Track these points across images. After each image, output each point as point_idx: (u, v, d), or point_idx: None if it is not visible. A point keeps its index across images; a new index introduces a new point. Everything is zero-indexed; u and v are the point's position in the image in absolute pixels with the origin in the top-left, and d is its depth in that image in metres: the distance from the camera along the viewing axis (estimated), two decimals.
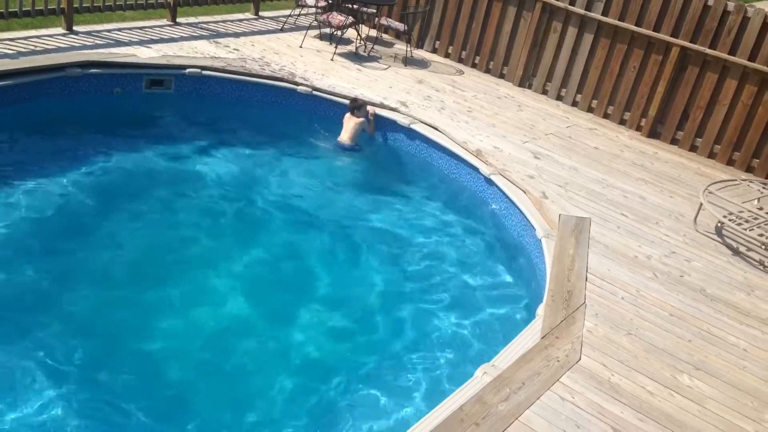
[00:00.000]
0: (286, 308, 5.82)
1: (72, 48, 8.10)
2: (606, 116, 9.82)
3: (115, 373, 4.87)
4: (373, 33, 11.02)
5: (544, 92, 10.24)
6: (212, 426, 4.63)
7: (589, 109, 9.92)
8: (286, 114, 8.60)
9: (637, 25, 9.33)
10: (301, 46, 9.98)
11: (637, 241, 6.69)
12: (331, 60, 9.74)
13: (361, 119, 8.24)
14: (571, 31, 9.82)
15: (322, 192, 7.61)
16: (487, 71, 10.64)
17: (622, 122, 9.72)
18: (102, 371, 4.87)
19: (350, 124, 8.21)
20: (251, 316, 5.70)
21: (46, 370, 4.70)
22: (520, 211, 6.89)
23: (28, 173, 6.67)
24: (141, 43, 8.73)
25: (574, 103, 10.02)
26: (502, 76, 10.54)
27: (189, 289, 5.86)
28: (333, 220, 7.12)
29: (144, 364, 5.01)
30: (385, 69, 9.92)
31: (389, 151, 8.45)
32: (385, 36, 11.28)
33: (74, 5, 8.56)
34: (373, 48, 10.53)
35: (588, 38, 9.72)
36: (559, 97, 10.14)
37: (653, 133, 9.49)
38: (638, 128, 9.59)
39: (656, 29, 9.20)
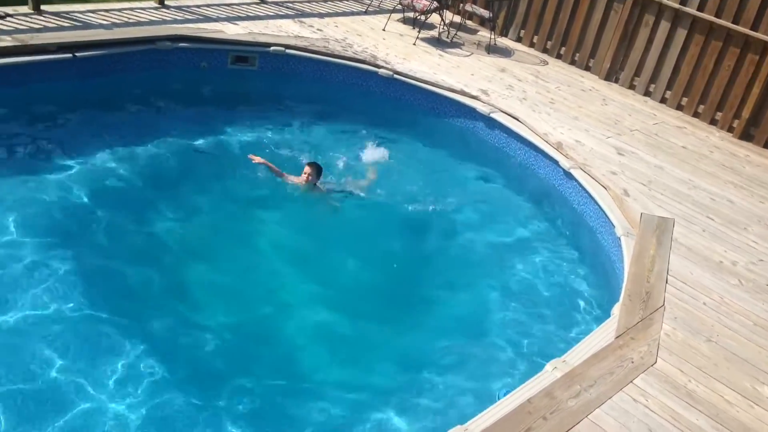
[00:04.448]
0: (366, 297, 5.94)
1: (163, 21, 8.28)
2: (696, 115, 9.45)
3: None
4: (457, 19, 10.90)
5: (632, 87, 9.92)
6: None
7: (679, 107, 9.56)
8: (367, 96, 8.59)
9: (734, 22, 8.93)
10: (384, 29, 9.95)
11: (722, 245, 6.42)
12: (414, 44, 9.68)
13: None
14: (664, 25, 9.47)
15: (395, 174, 7.55)
16: (573, 63, 10.39)
17: (713, 122, 9.34)
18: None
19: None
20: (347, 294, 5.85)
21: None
22: (600, 208, 6.69)
23: (117, 141, 6.88)
24: (228, 19, 8.86)
25: (663, 100, 9.68)
26: (587, 68, 10.27)
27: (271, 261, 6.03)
28: (405, 204, 7.07)
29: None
30: (468, 56, 9.80)
31: (468, 139, 8.34)
32: (469, 22, 11.13)
33: None
34: (456, 34, 10.41)
35: (681, 33, 9.36)
36: (647, 93, 9.81)
37: (746, 136, 9.09)
38: (730, 129, 9.20)
39: (754, 28, 8.79)
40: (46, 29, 7.30)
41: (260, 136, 7.65)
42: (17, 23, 7.27)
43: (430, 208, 7.09)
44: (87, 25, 7.63)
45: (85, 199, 6.06)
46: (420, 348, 5.33)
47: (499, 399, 4.26)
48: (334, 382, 4.93)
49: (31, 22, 7.36)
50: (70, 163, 6.41)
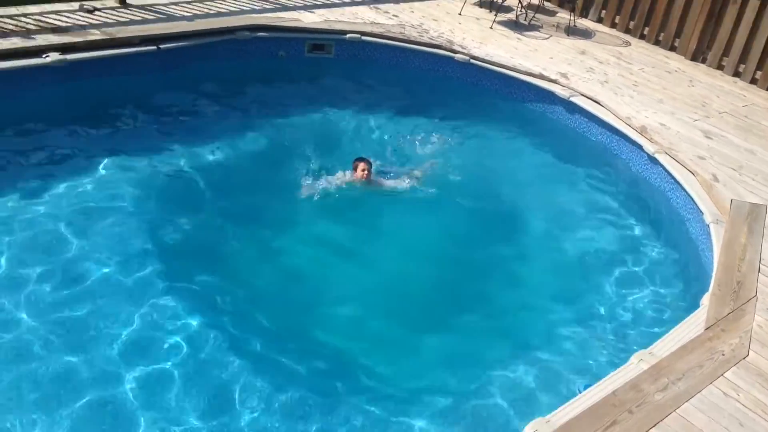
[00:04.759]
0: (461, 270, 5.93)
1: (242, 12, 8.42)
2: None
3: None
4: (535, 1, 10.66)
5: (720, 67, 9.51)
6: None
7: None
8: (442, 82, 8.51)
9: None
10: (460, 14, 9.84)
11: None
12: (490, 28, 9.53)
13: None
14: (753, 2, 9.03)
15: (469, 162, 7.41)
16: (657, 43, 10.03)
17: None
18: None
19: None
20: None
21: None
22: (687, 194, 6.46)
23: (198, 131, 7.05)
24: (305, 8, 8.93)
25: (753, 81, 9.25)
26: (672, 48, 9.90)
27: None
28: (488, 193, 6.98)
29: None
30: (546, 39, 9.59)
31: (547, 125, 8.18)
32: (547, 4, 10.88)
33: None
34: (534, 16, 10.20)
35: None
36: (736, 74, 9.39)
37: None
38: None
39: None
40: (131, 22, 7.53)
41: (335, 125, 7.67)
42: (105, 17, 7.52)
43: (506, 196, 6.98)
44: (170, 18, 7.83)
45: (171, 184, 6.24)
46: (500, 340, 5.26)
47: (580, 392, 4.19)
48: (409, 372, 4.92)
49: (118, 16, 7.60)
50: (152, 151, 6.58)
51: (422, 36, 8.71)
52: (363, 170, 6.63)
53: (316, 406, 4.43)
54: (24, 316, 4.68)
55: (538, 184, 7.26)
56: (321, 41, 8.40)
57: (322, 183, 6.58)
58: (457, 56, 8.46)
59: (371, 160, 6.76)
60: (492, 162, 7.52)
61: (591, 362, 5.01)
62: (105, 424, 4.12)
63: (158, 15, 7.83)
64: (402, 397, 4.67)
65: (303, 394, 4.50)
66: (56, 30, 7.02)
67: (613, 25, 10.43)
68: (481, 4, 10.33)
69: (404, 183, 6.80)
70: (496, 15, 9.82)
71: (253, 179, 6.64)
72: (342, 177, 6.68)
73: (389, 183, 6.82)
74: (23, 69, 6.51)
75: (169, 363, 4.55)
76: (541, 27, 9.98)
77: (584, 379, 4.51)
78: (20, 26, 6.95)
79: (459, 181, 7.00)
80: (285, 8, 8.80)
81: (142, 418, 4.16)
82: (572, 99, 7.94)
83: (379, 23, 8.86)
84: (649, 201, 7.03)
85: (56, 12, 7.39)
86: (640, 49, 9.82)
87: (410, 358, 5.06)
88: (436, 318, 5.42)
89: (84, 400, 4.20)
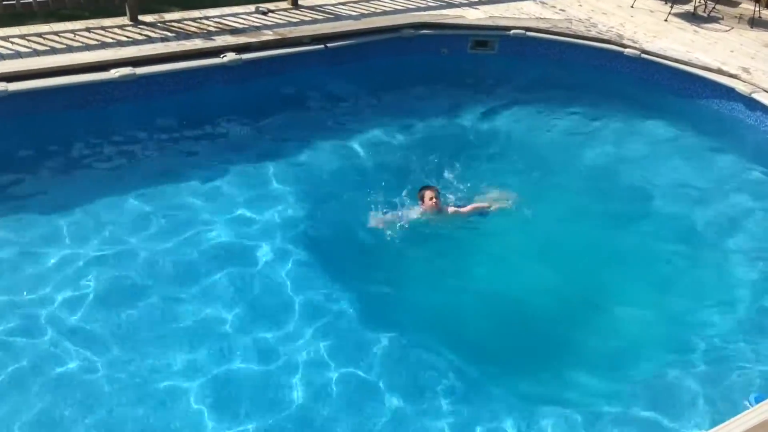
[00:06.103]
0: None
1: (407, 10, 8.57)
2: None
3: None
4: None
5: None
6: None
7: None
8: (610, 78, 8.17)
9: None
10: (632, 6, 9.41)
11: None
12: (665, 21, 9.04)
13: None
14: None
15: (651, 163, 7.07)
16: None
17: None
18: None
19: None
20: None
21: None
22: None
23: (361, 127, 7.24)
24: (470, 4, 8.94)
25: None
26: None
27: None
28: (661, 190, 6.66)
29: None
30: (727, 31, 8.94)
31: (725, 121, 7.62)
32: None
33: None
34: (714, 8, 9.53)
35: None
36: None
37: None
38: None
39: None
40: (302, 23, 7.91)
41: (493, 125, 7.54)
42: (278, 18, 7.96)
43: (677, 198, 6.58)
44: (337, 17, 8.13)
45: (337, 176, 6.48)
46: (656, 349, 4.99)
47: (750, 406, 3.88)
48: (553, 387, 4.76)
49: (290, 17, 8.02)
50: (317, 142, 6.86)
51: (590, 30, 8.43)
52: (431, 198, 5.80)
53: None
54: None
55: (710, 188, 6.75)
56: (484, 38, 8.37)
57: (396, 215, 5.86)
58: (627, 51, 8.10)
59: (438, 188, 6.00)
60: (661, 162, 7.11)
61: (757, 376, 4.63)
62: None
63: (327, 15, 8.17)
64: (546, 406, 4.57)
65: None
66: (233, 31, 7.52)
67: None
68: None
69: (492, 205, 6.05)
70: (672, 7, 9.29)
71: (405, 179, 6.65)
72: (410, 212, 5.87)
73: (467, 208, 5.99)
74: (203, 68, 7.05)
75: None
76: (722, 18, 9.31)
77: (752, 393, 4.15)
78: (202, 28, 7.52)
79: (624, 189, 6.71)
80: (449, 5, 8.85)
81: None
82: (754, 95, 7.36)
83: (544, 18, 8.68)
84: None
85: (234, 14, 7.93)
86: None
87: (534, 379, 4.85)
88: (589, 315, 5.26)
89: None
